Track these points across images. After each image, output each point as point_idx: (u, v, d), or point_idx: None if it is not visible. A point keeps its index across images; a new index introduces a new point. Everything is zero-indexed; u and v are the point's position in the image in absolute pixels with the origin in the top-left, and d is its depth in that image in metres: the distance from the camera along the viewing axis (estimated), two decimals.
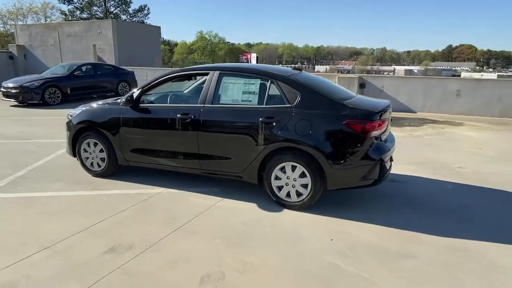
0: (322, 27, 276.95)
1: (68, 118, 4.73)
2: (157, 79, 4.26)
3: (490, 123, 8.98)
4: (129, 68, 15.07)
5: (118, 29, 17.39)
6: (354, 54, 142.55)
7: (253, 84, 3.79)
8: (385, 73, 79.78)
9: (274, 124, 3.56)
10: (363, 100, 3.83)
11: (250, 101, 3.76)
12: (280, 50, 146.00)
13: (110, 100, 4.95)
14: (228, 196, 4.00)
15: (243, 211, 3.64)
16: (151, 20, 40.75)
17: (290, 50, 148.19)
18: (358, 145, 3.37)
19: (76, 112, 4.67)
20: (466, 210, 3.74)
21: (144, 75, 16.15)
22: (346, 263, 2.75)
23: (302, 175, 3.54)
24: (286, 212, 3.63)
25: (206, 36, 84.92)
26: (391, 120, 4.01)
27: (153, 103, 4.38)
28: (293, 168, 3.56)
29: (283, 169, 3.62)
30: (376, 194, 4.06)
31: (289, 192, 3.64)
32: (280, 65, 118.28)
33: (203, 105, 3.90)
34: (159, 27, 19.94)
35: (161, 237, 3.09)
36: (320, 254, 2.87)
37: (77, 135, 4.59)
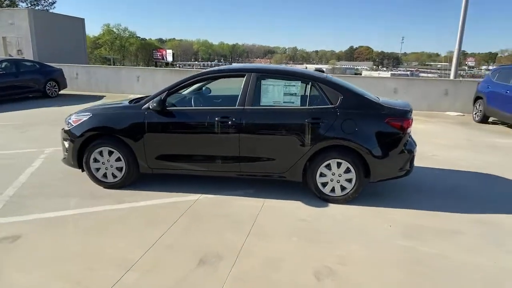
0: (237, 25, 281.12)
1: (69, 126, 4.19)
2: (185, 81, 4.07)
3: (424, 116, 10.50)
4: (53, 65, 13.39)
5: (36, 20, 15.28)
6: (268, 52, 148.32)
7: (294, 86, 3.92)
8: None
9: (320, 124, 3.76)
10: (389, 100, 4.25)
11: (293, 102, 3.89)
12: (196, 46, 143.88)
13: (112, 103, 4.53)
14: (267, 196, 4.07)
15: (294, 210, 3.77)
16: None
17: (206, 47, 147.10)
18: (398, 140, 3.78)
19: (80, 118, 4.15)
20: (463, 189, 4.47)
21: (73, 73, 14.62)
22: (418, 244, 3.12)
23: (347, 170, 3.82)
24: (332, 206, 3.87)
25: (114, 30, 79.06)
26: None
27: (176, 106, 4.16)
28: (338, 164, 3.82)
29: (327, 166, 3.84)
30: (389, 184, 4.54)
31: (333, 187, 3.88)
32: (197, 62, 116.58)
33: (242, 107, 3.88)
34: (83, 19, 18.08)
35: (241, 243, 3.05)
36: (392, 240, 3.19)
37: (84, 144, 4.10)
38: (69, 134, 4.16)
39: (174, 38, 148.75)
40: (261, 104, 3.91)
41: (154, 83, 13.71)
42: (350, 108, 3.80)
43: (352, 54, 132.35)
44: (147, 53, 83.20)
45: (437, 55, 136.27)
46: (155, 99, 3.92)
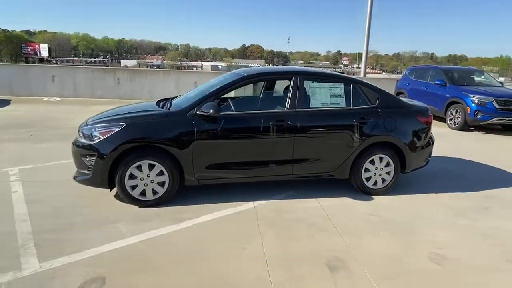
0: (121, 19, 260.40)
1: (90, 139, 3.53)
2: (231, 84, 3.85)
3: None
4: None
5: None
6: (159, 49, 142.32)
7: (338, 87, 4.09)
8: (194, 68, 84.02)
9: (367, 123, 4.03)
10: (408, 99, 4.77)
11: (339, 103, 4.06)
12: (74, 41, 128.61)
13: (138, 110, 3.94)
14: (313, 196, 4.16)
15: (351, 205, 3.96)
16: None
17: (87, 41, 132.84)
18: (425, 134, 4.33)
19: (110, 130, 3.52)
20: (455, 172, 5.34)
21: None
22: (470, 222, 3.68)
23: (387, 164, 4.20)
24: (378, 198, 4.19)
25: None
26: None
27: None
28: (381, 159, 4.17)
29: (371, 162, 4.16)
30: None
31: (376, 180, 4.22)
32: (77, 58, 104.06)
33: (294, 109, 3.88)
34: None
35: (343, 243, 3.12)
36: (453, 221, 3.67)
37: (118, 160, 3.52)
38: (94, 149, 3.49)
39: (45, 30, 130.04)
40: (311, 106, 3.98)
41: (75, 83, 11.97)
42: (387, 107, 4.18)
43: (244, 52, 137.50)
44: (13, 47, 71.00)
45: (318, 54, 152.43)
46: (208, 105, 3.60)
